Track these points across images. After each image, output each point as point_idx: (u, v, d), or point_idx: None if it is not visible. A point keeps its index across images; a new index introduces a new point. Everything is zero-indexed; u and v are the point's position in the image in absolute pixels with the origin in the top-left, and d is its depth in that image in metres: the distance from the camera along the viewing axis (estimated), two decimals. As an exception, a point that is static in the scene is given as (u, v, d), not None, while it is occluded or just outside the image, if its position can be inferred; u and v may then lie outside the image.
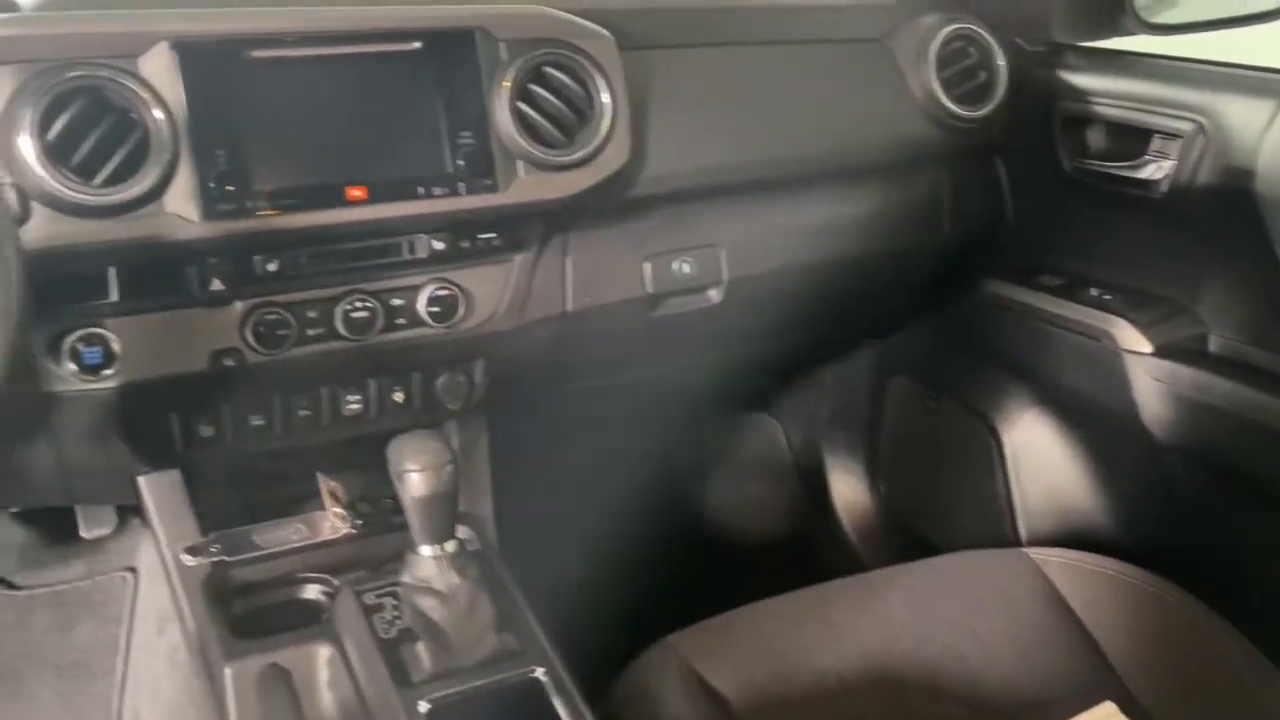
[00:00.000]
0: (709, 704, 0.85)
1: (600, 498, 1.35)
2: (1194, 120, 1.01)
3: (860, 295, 1.26)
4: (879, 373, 1.51)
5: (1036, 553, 1.03)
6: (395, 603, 0.85)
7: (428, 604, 0.80)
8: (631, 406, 1.51)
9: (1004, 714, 0.87)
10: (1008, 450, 1.31)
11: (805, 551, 1.58)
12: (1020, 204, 1.25)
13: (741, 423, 1.70)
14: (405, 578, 0.82)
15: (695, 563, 1.33)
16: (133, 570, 1.37)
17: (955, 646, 0.92)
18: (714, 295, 1.12)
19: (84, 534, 1.29)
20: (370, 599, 0.86)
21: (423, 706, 0.75)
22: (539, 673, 0.79)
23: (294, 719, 0.78)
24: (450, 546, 0.82)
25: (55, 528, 1.35)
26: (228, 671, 0.83)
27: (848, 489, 1.59)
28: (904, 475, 1.51)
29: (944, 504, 1.42)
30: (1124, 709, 0.87)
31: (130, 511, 1.36)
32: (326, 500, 1.06)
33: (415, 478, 0.79)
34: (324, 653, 0.85)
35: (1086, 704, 0.88)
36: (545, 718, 0.76)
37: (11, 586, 1.33)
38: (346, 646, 0.84)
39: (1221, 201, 1.00)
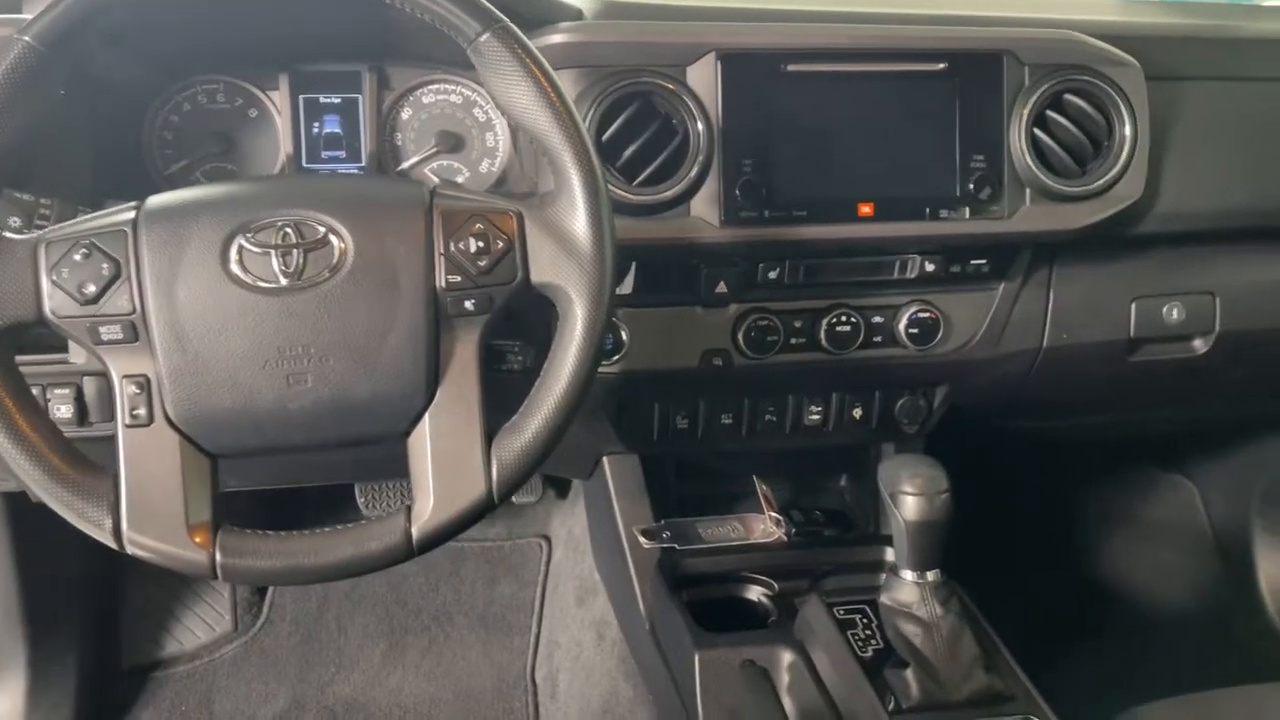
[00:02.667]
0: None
1: (1021, 544, 1.29)
2: None
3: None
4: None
5: None
6: (867, 620, 0.85)
7: (910, 630, 0.79)
8: (1047, 450, 1.43)
9: None
10: None
11: (1225, 634, 1.43)
12: None
13: (1154, 481, 1.57)
14: (884, 599, 0.81)
15: (1122, 630, 1.24)
16: (546, 539, 1.48)
17: None
18: (1199, 345, 1.04)
19: (514, 499, 1.40)
20: (840, 613, 0.86)
21: None
22: None
23: (774, 715, 0.79)
24: (933, 576, 0.80)
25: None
26: (696, 658, 0.86)
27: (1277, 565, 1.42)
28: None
29: None
30: None
31: (550, 483, 1.46)
32: (763, 504, 1.08)
33: (911, 501, 0.78)
34: (787, 656, 0.86)
35: None
36: None
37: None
38: (815, 655, 0.84)
39: None
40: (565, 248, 0.65)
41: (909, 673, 0.77)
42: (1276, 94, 1.00)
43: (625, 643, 1.14)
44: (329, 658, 1.37)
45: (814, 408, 1.01)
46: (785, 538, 1.05)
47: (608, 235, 0.66)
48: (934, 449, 1.14)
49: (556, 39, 0.84)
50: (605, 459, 1.06)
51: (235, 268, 0.62)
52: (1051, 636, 1.16)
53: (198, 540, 0.61)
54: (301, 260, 0.62)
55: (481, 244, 0.64)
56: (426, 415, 0.64)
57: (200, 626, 1.39)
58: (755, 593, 1.00)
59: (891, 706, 0.77)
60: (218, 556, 0.62)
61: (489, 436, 0.65)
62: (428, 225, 0.64)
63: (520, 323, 0.82)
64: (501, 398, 0.66)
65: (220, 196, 0.65)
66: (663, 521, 1.04)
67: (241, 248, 0.62)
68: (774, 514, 1.07)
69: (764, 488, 1.09)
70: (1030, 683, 0.79)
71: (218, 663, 1.36)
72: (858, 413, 1.02)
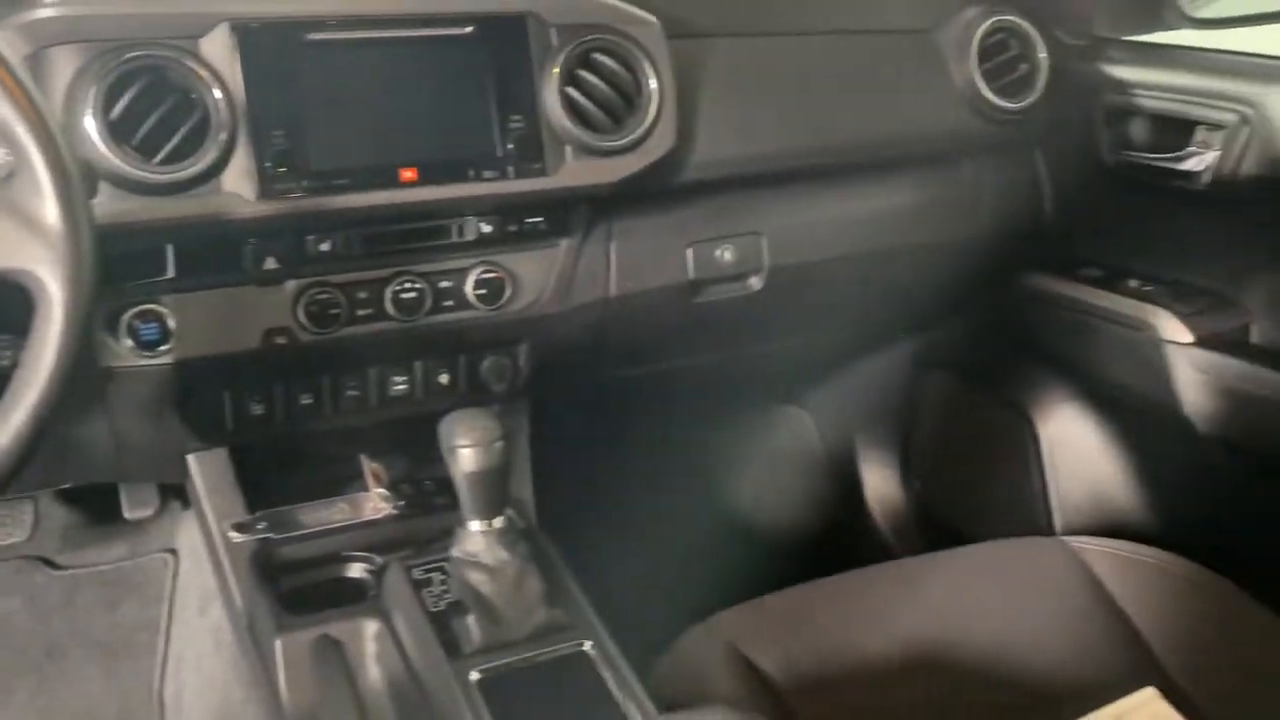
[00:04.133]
0: (755, 682, 0.86)
1: (637, 486, 1.36)
2: (1238, 111, 1.01)
3: (900, 287, 1.27)
4: (915, 367, 1.52)
5: (1075, 541, 1.03)
6: (443, 578, 0.87)
7: (477, 578, 0.81)
8: (667, 396, 1.52)
9: (1049, 700, 0.87)
10: (1044, 443, 1.31)
11: (837, 542, 1.58)
12: (1060, 197, 1.26)
13: (773, 415, 1.71)
14: (454, 552, 0.83)
15: (728, 549, 1.34)
16: (173, 552, 1.40)
17: (997, 633, 0.93)
18: (755, 283, 1.13)
19: (127, 515, 1.32)
20: (418, 574, 0.87)
21: (473, 676, 0.76)
22: (588, 646, 0.79)
23: (346, 689, 0.79)
24: (499, 522, 0.83)
25: (98, 509, 1.37)
26: (278, 643, 0.85)
27: (881, 482, 1.59)
28: (938, 469, 1.51)
29: (979, 498, 1.42)
30: (1166, 695, 0.87)
31: (172, 494, 1.38)
32: (370, 481, 1.07)
33: (466, 453, 0.80)
34: (372, 627, 0.86)
35: (1129, 690, 0.88)
36: (594, 690, 0.77)
37: (56, 566, 1.36)
38: (395, 620, 0.85)
39: (1266, 192, 1.00)
40: (30, 229, 0.61)
41: (470, 618, 0.79)
42: (798, 46, 1.11)
43: (237, 644, 1.10)
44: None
45: (398, 378, 1.01)
46: (395, 511, 1.05)
47: (81, 211, 0.62)
48: (555, 405, 1.19)
49: (45, 13, 0.78)
50: (190, 457, 1.01)
51: None
52: (662, 567, 1.24)
53: None
54: None
55: None
56: None
57: None
58: (357, 569, 0.99)
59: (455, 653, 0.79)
60: None
61: None
62: None
63: (6, 316, 0.76)
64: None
65: None
66: (259, 513, 1.01)
67: None
68: (380, 490, 1.06)
69: (372, 465, 1.08)
70: (594, 613, 0.84)
71: None
72: (444, 378, 1.03)
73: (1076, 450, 1.28)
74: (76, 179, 0.63)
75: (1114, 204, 1.20)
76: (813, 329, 1.29)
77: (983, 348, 1.40)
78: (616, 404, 1.35)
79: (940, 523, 1.51)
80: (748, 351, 1.29)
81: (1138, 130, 1.14)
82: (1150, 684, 0.88)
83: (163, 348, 0.88)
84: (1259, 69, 1.04)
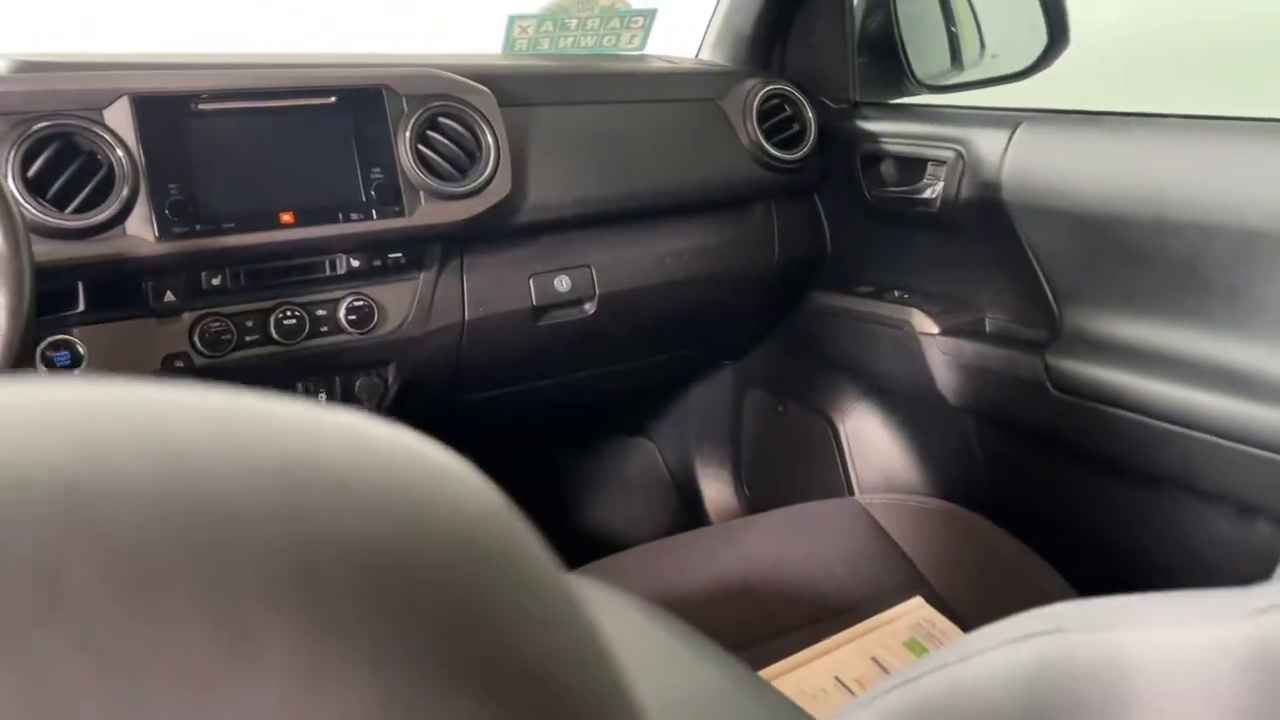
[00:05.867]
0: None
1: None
2: (954, 149, 1.29)
3: (711, 311, 1.50)
4: (737, 388, 1.74)
5: (863, 498, 1.26)
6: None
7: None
8: (521, 422, 1.70)
9: (839, 613, 1.07)
10: (844, 437, 1.55)
11: None
12: (836, 229, 1.52)
13: (622, 445, 1.90)
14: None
15: (575, 566, 1.50)
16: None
17: (798, 568, 1.13)
18: (589, 308, 1.34)
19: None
20: None
21: None
22: None
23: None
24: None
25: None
26: None
27: (718, 495, 1.80)
28: (763, 475, 1.73)
29: (796, 493, 1.64)
30: (930, 602, 1.09)
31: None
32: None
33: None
34: None
35: (902, 600, 1.10)
36: None
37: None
38: None
39: (979, 211, 1.27)
40: None
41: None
42: (611, 113, 1.34)
43: None
44: None
45: None
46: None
47: (23, 238, 0.78)
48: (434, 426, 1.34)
49: None
50: None
51: None
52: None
53: None
54: None
55: None
56: None
57: None
58: None
59: None
60: None
61: None
62: None
63: None
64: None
65: None
66: None
67: None
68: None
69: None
70: None
71: None
72: (323, 396, 1.19)
73: (869, 438, 1.52)
74: (17, 214, 0.79)
75: (876, 232, 1.47)
76: (645, 353, 1.50)
77: (790, 364, 1.64)
78: (473, 431, 1.52)
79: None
80: (590, 374, 1.49)
81: (888, 170, 1.42)
82: (918, 595, 1.10)
83: (75, 372, 1.02)
84: (966, 117, 1.32)
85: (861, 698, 0.42)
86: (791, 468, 1.67)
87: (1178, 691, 0.33)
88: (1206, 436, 1.05)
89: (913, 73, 1.48)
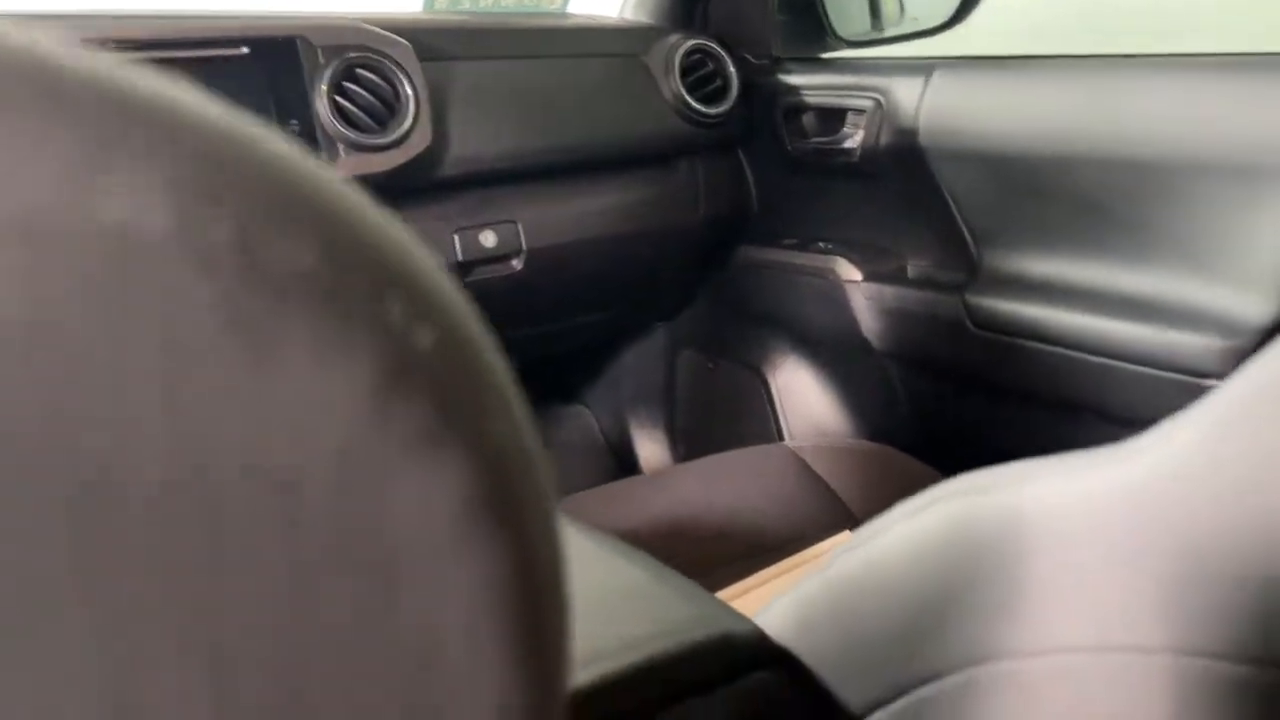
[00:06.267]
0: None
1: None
2: (873, 98, 1.31)
3: (639, 268, 1.51)
4: (670, 349, 1.75)
5: (793, 443, 1.27)
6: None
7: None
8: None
9: (769, 548, 1.09)
10: (774, 389, 1.57)
11: None
12: (761, 183, 1.54)
13: (557, 412, 1.90)
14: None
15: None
16: None
17: (729, 507, 1.15)
18: (516, 264, 1.34)
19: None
20: None
21: None
22: None
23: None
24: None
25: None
26: None
27: (652, 455, 1.81)
28: (697, 434, 1.75)
29: (729, 448, 1.65)
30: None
31: None
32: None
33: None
34: None
35: (829, 535, 1.12)
36: None
37: None
38: None
39: (898, 158, 1.29)
40: None
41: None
42: (534, 67, 1.34)
43: None
44: None
45: None
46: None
47: None
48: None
49: None
50: None
51: None
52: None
53: None
54: None
55: None
56: None
57: None
58: None
59: None
60: None
61: None
62: None
63: None
64: None
65: None
66: None
67: None
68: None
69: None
70: None
71: None
72: None
73: (799, 389, 1.54)
74: None
75: (800, 185, 1.48)
76: (576, 312, 1.50)
77: (721, 322, 1.66)
78: None
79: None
80: (520, 334, 1.49)
81: (809, 122, 1.44)
82: (846, 530, 1.12)
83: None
84: (884, 67, 1.35)
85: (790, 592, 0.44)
86: (724, 423, 1.68)
87: (1071, 533, 0.35)
88: (1116, 363, 1.08)
89: (833, 30, 1.50)
